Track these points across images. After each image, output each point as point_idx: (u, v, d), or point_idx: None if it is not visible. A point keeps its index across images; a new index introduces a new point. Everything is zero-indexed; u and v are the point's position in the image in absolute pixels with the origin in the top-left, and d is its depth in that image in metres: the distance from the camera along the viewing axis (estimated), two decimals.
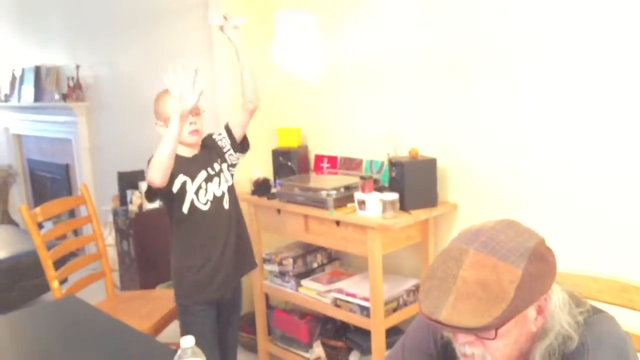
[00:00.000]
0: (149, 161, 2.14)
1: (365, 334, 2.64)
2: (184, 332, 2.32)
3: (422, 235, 2.67)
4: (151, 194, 2.21)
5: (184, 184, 2.23)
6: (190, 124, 2.24)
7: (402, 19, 2.74)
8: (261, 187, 3.01)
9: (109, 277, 3.01)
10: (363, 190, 2.55)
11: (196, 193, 2.25)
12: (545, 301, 1.02)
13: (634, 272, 1.53)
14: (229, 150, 2.41)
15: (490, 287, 0.96)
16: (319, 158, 3.25)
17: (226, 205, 2.33)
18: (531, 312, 1.01)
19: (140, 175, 4.21)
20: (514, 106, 2.39)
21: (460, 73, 2.56)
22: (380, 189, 2.66)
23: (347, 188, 2.69)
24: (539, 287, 0.98)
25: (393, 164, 2.64)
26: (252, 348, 3.28)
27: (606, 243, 2.17)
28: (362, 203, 2.52)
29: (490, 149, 2.49)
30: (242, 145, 2.44)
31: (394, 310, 2.62)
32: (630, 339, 1.06)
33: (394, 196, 2.48)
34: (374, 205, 2.48)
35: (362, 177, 2.62)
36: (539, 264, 0.99)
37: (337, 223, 2.61)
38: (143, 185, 4.06)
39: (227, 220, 2.32)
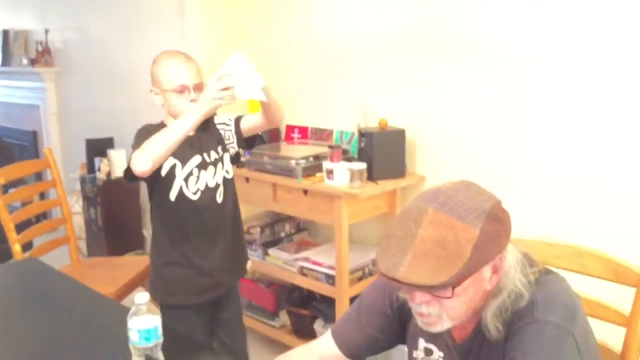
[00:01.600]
0: (136, 142, 1.85)
1: (330, 302, 2.66)
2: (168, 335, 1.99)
3: (389, 206, 2.68)
4: (132, 175, 1.80)
5: (172, 168, 1.90)
6: (191, 100, 1.87)
7: None
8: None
9: (73, 242, 2.97)
10: (331, 160, 2.54)
11: (185, 180, 1.92)
12: (500, 260, 1.03)
13: (588, 239, 1.56)
14: (231, 143, 2.06)
15: (448, 245, 0.96)
16: (290, 128, 3.23)
17: (219, 198, 1.98)
18: (486, 271, 1.02)
19: (108, 142, 4.15)
20: (482, 78, 2.40)
21: (429, 45, 2.55)
22: (349, 159, 2.66)
23: (316, 157, 2.68)
24: (494, 246, 0.99)
25: (362, 134, 2.63)
26: None
27: (564, 211, 2.21)
28: (330, 172, 2.52)
29: (458, 121, 2.50)
30: (248, 142, 2.09)
31: (359, 279, 2.64)
32: (579, 299, 1.07)
33: (361, 166, 2.48)
34: (342, 175, 2.48)
35: (330, 147, 2.61)
36: (495, 224, 0.99)
37: (305, 192, 2.61)
38: (111, 153, 4.01)
39: (218, 215, 1.98)
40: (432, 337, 1.19)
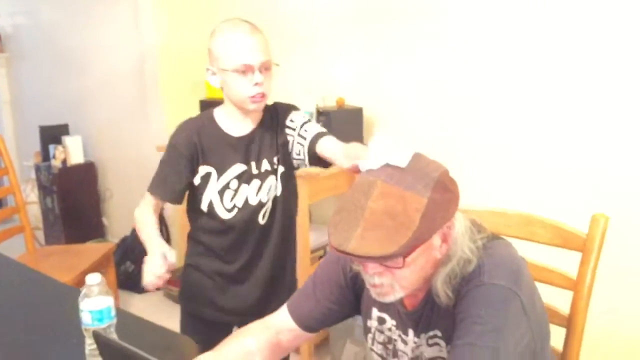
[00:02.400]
0: (160, 168, 1.65)
1: None
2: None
3: (348, 185, 2.69)
4: None
5: (206, 177, 1.59)
6: (256, 84, 1.51)
7: None
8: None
9: (29, 231, 2.90)
10: None
11: (220, 193, 1.60)
12: (449, 229, 1.04)
13: (535, 208, 1.60)
14: (301, 159, 1.63)
15: (397, 216, 0.97)
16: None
17: (262, 219, 1.63)
18: (436, 239, 1.03)
19: (63, 129, 4.06)
20: (438, 56, 2.41)
21: (386, 24, 2.55)
22: None
23: None
24: (443, 214, 1.00)
25: (320, 113, 2.63)
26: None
27: (516, 182, 2.27)
28: None
29: (415, 99, 2.52)
30: (323, 162, 1.60)
31: (320, 258, 2.65)
32: (525, 262, 1.10)
33: None
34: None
35: None
36: (443, 193, 1.00)
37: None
38: (67, 140, 3.92)
39: (257, 238, 1.64)
40: (384, 306, 1.20)
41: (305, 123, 1.64)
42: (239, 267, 1.66)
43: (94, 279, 1.25)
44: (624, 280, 2.02)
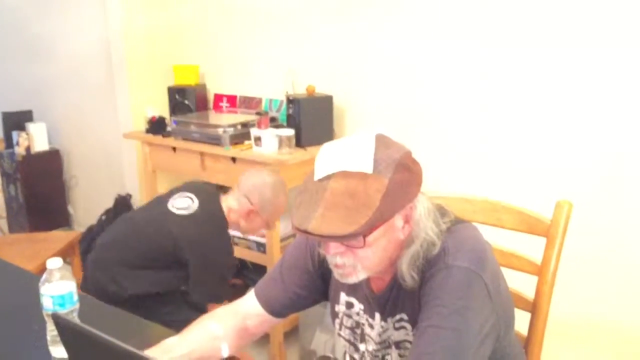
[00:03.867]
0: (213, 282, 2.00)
1: (262, 270, 2.66)
2: None
3: None
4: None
5: None
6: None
7: None
8: (155, 125, 2.91)
9: None
10: (259, 127, 2.52)
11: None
12: (411, 210, 1.04)
13: (502, 195, 1.62)
14: None
15: (358, 196, 0.96)
16: (218, 97, 3.17)
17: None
18: (398, 220, 1.03)
19: (27, 115, 3.95)
20: (408, 42, 2.42)
21: (355, 10, 2.55)
22: (278, 127, 2.64)
23: (244, 125, 2.65)
24: (404, 195, 1.00)
25: (290, 101, 2.61)
26: None
27: (482, 168, 2.29)
28: (258, 139, 2.49)
29: (384, 86, 2.53)
30: None
31: None
32: (489, 245, 1.11)
33: (289, 132, 2.47)
34: (270, 141, 2.46)
35: (258, 113, 2.58)
36: (405, 173, 1.00)
37: (234, 160, 2.57)
38: (31, 127, 3.82)
39: None
40: (352, 291, 1.20)
41: None
42: None
43: (55, 263, 1.22)
44: (587, 265, 2.06)
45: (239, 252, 2.70)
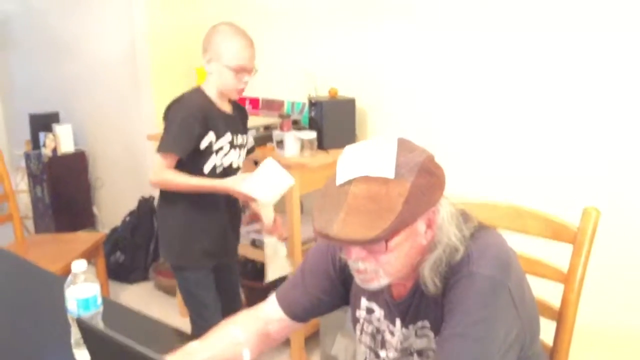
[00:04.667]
0: (168, 135, 1.94)
1: None
2: (187, 299, 2.16)
3: None
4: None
5: (210, 143, 1.98)
6: (244, 82, 1.99)
7: None
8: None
9: (17, 219, 2.87)
10: (281, 129, 2.52)
11: (217, 152, 2.02)
12: (434, 214, 1.03)
13: (528, 200, 1.60)
14: (247, 141, 2.20)
15: (380, 200, 0.96)
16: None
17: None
18: (421, 225, 1.02)
19: (54, 117, 4.02)
20: (431, 47, 2.40)
21: (379, 14, 2.54)
22: (300, 129, 2.64)
23: (267, 128, 2.65)
24: (427, 199, 0.99)
25: (312, 103, 2.61)
26: (172, 292, 3.25)
27: (507, 173, 2.26)
28: (280, 142, 2.49)
29: (407, 89, 2.51)
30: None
31: None
32: (514, 252, 1.09)
33: (311, 135, 2.46)
34: (292, 144, 2.46)
35: (280, 116, 2.59)
36: (428, 178, 0.99)
37: (255, 162, 2.57)
38: (57, 128, 3.88)
39: (231, 196, 2.08)
40: (373, 296, 1.19)
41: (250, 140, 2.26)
42: (219, 213, 2.10)
43: (79, 266, 1.24)
44: (615, 273, 2.02)
45: (260, 255, 2.71)
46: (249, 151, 2.24)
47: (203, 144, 1.96)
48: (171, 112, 1.97)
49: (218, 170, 2.03)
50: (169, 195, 2.06)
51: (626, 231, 1.99)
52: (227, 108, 2.05)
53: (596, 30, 1.99)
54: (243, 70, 1.94)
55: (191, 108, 1.94)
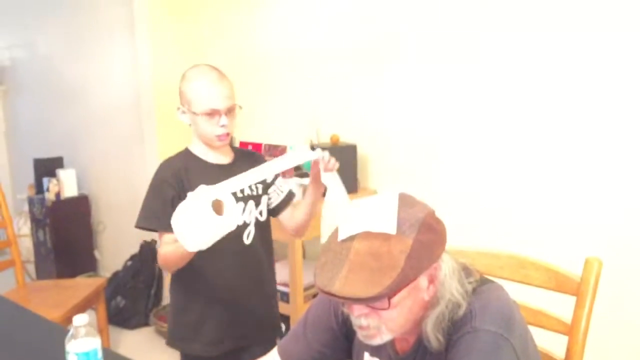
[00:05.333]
0: (146, 202, 1.75)
1: (285, 319, 2.63)
2: None
3: None
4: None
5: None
6: (222, 126, 1.66)
7: (326, 6, 2.74)
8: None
9: (19, 265, 2.87)
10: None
11: None
12: (436, 270, 1.03)
13: (530, 250, 1.60)
14: (274, 199, 1.84)
15: (382, 257, 0.96)
16: (243, 145, 3.21)
17: (247, 239, 1.74)
18: (423, 281, 1.02)
19: (57, 162, 4.05)
20: (431, 95, 2.43)
21: (378, 60, 2.58)
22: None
23: None
24: (428, 255, 0.99)
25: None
26: None
27: (509, 223, 2.26)
28: None
29: (409, 136, 2.54)
30: (273, 212, 1.86)
31: (314, 296, 2.62)
32: (517, 306, 1.09)
33: None
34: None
35: None
36: (429, 234, 1.00)
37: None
38: (61, 173, 3.91)
39: (243, 260, 1.75)
40: (376, 351, 1.18)
41: (285, 187, 1.91)
42: (229, 288, 1.76)
43: (81, 320, 1.23)
44: (619, 323, 2.00)
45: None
46: (287, 199, 1.87)
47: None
48: (152, 182, 1.75)
49: None
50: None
51: (631, 281, 1.98)
52: (224, 159, 1.77)
53: (598, 76, 2.02)
54: (214, 113, 1.65)
55: (162, 172, 1.72)
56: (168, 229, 1.53)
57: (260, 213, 1.79)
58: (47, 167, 3.98)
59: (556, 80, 2.10)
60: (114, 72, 3.75)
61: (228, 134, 1.70)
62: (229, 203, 1.43)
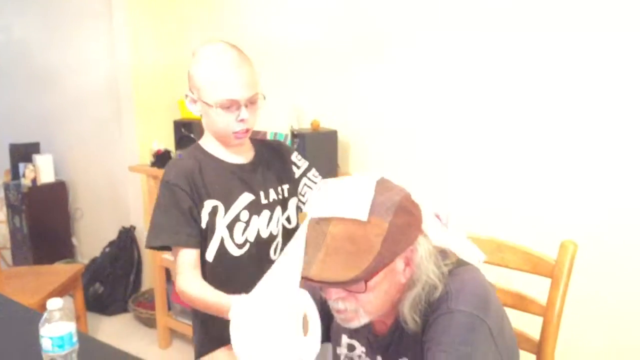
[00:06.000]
0: (159, 211, 1.42)
1: None
2: None
3: None
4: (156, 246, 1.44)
5: (213, 214, 1.41)
6: (240, 120, 1.38)
7: None
8: (161, 158, 2.92)
9: None
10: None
11: (230, 227, 1.43)
12: (412, 252, 1.03)
13: (507, 234, 1.61)
14: (305, 186, 1.58)
15: (358, 240, 0.96)
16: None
17: (274, 254, 1.49)
18: (399, 264, 1.03)
19: (34, 147, 3.99)
20: (413, 81, 2.43)
21: (359, 46, 2.57)
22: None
23: None
24: (405, 238, 1.00)
25: (295, 135, 2.62)
26: (151, 324, 3.20)
27: (487, 208, 2.28)
28: None
29: (389, 121, 2.54)
30: None
31: None
32: (493, 288, 1.10)
33: None
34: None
35: None
36: (405, 217, 1.00)
37: None
38: (37, 159, 3.85)
39: None
40: (354, 333, 1.19)
41: (310, 167, 1.64)
42: None
43: (55, 303, 1.22)
44: (593, 305, 2.03)
45: None
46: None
47: (204, 221, 1.41)
48: (160, 188, 1.44)
49: (239, 252, 1.44)
50: None
51: (605, 264, 2.01)
52: (244, 157, 1.48)
53: (569, 75, 2.03)
54: (232, 105, 1.36)
55: (174, 178, 1.40)
56: (188, 243, 1.36)
57: (288, 219, 1.52)
58: (23, 153, 3.92)
59: (535, 66, 2.11)
60: (91, 56, 3.69)
61: (248, 130, 1.41)
62: (313, 318, 1.02)
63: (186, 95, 1.44)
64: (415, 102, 2.44)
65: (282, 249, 1.47)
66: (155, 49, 3.35)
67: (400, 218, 0.99)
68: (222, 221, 1.41)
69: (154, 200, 1.46)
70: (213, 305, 1.30)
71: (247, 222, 1.43)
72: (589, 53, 1.97)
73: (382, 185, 1.03)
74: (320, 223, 1.00)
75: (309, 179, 1.59)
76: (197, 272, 1.39)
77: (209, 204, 1.40)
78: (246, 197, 1.44)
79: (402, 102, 2.48)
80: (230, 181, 1.41)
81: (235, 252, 1.43)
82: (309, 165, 1.62)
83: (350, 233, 0.97)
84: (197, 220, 1.40)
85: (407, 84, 2.46)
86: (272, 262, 1.37)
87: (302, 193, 1.56)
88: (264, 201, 1.45)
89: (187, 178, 1.40)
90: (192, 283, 1.37)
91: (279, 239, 1.50)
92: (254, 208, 1.44)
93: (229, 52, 1.39)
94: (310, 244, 0.99)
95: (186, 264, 1.38)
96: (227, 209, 1.41)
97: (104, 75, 3.61)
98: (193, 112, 1.43)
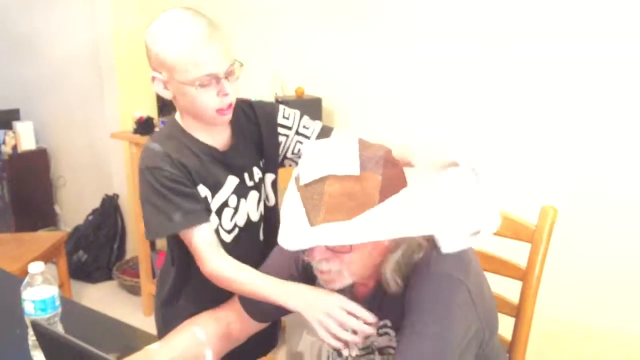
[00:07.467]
0: (148, 201, 1.27)
1: None
2: None
3: None
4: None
5: (205, 200, 1.31)
6: (224, 95, 1.23)
7: None
8: (143, 126, 2.89)
9: None
10: None
11: (218, 213, 1.33)
12: None
13: None
14: (298, 142, 1.44)
15: (357, 195, 0.97)
16: None
17: (262, 235, 1.43)
18: None
19: (14, 114, 3.93)
20: (399, 48, 2.42)
21: (344, 12, 2.55)
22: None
23: None
24: (397, 191, 1.00)
25: (279, 102, 2.60)
26: (136, 291, 3.21)
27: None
28: None
29: (374, 89, 2.53)
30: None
31: None
32: (474, 252, 1.11)
33: None
34: None
35: None
36: (394, 169, 1.01)
37: None
38: (18, 125, 3.79)
39: (257, 261, 1.30)
40: None
41: (301, 118, 1.48)
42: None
43: (37, 267, 1.21)
44: (572, 270, 2.07)
45: None
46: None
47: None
48: (140, 177, 1.27)
49: (229, 237, 1.36)
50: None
51: (584, 229, 2.05)
52: (221, 137, 1.34)
53: (543, 41, 2.03)
54: (212, 80, 1.21)
55: (160, 165, 1.24)
56: (200, 220, 1.23)
57: (267, 198, 1.42)
58: (2, 120, 3.86)
59: (518, 34, 2.10)
60: (72, 22, 3.61)
61: (231, 105, 1.26)
62: None
63: (153, 78, 1.25)
64: (401, 69, 2.43)
65: (265, 229, 1.42)
66: (137, 15, 3.28)
67: (390, 170, 1.00)
68: (210, 207, 1.32)
69: (136, 168, 1.35)
70: (259, 292, 1.20)
71: (236, 208, 1.35)
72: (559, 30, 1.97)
73: (362, 144, 1.03)
74: (312, 185, 0.99)
75: (300, 134, 1.45)
76: (222, 250, 1.29)
77: (200, 191, 1.30)
78: (232, 181, 1.34)
79: (386, 69, 2.47)
80: (214, 166, 1.30)
81: (225, 237, 1.36)
82: (300, 119, 1.47)
83: (348, 189, 0.97)
84: (195, 196, 1.28)
85: (392, 50, 2.44)
86: (260, 244, 1.41)
87: (295, 151, 1.44)
88: (249, 183, 1.36)
89: (173, 162, 1.26)
90: (225, 265, 1.26)
91: (263, 220, 1.43)
92: (241, 191, 1.35)
93: (197, 22, 1.24)
94: (308, 206, 0.99)
95: (206, 244, 1.26)
96: (213, 195, 1.31)
97: (85, 41, 3.54)
98: (164, 96, 1.26)
